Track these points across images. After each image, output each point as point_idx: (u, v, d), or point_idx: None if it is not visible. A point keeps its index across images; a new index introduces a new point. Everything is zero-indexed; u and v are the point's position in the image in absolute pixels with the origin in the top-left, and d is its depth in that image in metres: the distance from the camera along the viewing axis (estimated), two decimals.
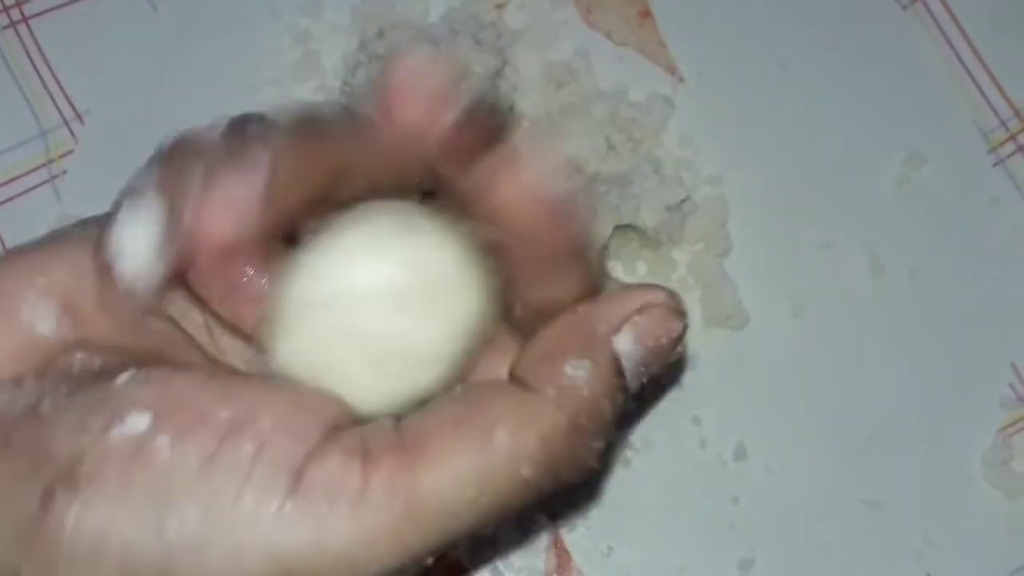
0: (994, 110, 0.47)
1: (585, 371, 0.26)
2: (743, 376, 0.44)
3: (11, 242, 0.44)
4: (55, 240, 0.27)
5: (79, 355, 0.25)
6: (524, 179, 0.26)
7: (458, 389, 0.26)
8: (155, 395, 0.24)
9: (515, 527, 0.42)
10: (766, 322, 0.45)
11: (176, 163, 0.25)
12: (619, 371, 0.26)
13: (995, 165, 0.46)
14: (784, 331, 0.45)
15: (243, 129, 0.25)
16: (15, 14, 0.46)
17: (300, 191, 0.26)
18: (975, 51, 0.47)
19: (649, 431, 0.43)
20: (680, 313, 0.27)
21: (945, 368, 0.45)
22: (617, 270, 0.45)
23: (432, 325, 0.26)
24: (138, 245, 0.24)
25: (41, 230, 0.42)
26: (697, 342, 0.44)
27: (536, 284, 0.27)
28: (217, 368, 0.27)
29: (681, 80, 0.47)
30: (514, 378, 0.26)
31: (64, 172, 0.44)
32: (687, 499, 0.43)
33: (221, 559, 0.23)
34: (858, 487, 0.43)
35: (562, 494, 0.27)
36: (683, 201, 0.44)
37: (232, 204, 0.25)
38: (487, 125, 0.26)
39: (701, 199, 0.45)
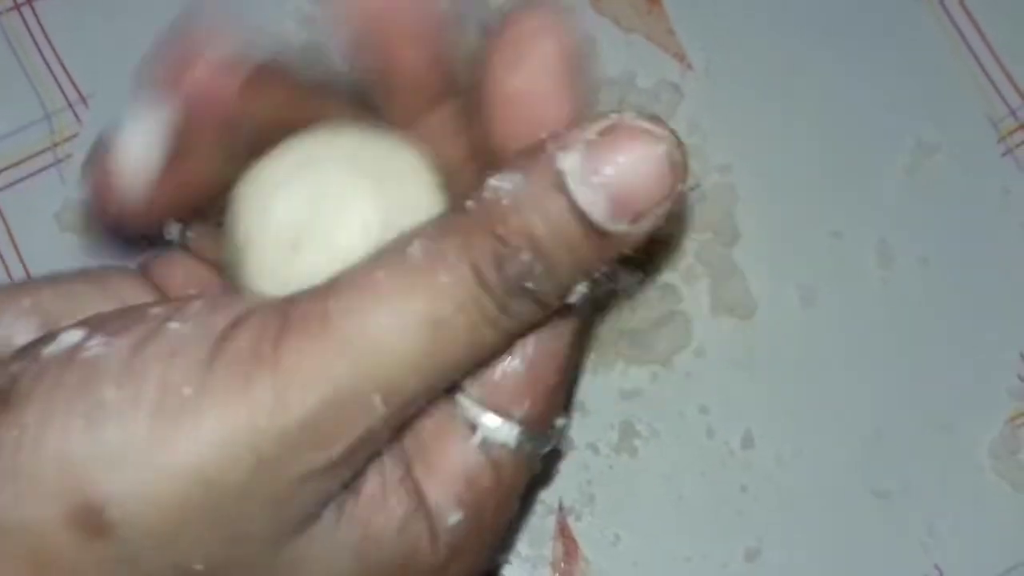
0: (1004, 99, 0.47)
1: (512, 183, 0.23)
2: (751, 365, 0.44)
3: (16, 225, 0.44)
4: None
5: None
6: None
7: None
8: (92, 318, 0.25)
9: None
10: (774, 311, 0.44)
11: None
12: (560, 189, 0.23)
13: (1004, 154, 0.46)
14: (792, 320, 0.45)
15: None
16: None
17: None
18: (985, 39, 0.47)
19: (656, 419, 0.43)
20: (658, 138, 0.23)
21: (954, 358, 0.44)
22: None
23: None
24: (136, 142, 0.27)
25: (46, 214, 0.43)
26: (704, 330, 0.44)
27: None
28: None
29: (690, 67, 0.47)
30: None
31: (69, 156, 0.44)
32: (694, 488, 0.43)
33: (158, 440, 0.22)
34: (865, 477, 0.43)
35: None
36: (691, 189, 0.44)
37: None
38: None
39: (709, 187, 0.45)
